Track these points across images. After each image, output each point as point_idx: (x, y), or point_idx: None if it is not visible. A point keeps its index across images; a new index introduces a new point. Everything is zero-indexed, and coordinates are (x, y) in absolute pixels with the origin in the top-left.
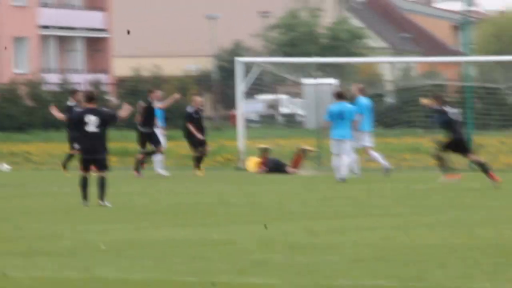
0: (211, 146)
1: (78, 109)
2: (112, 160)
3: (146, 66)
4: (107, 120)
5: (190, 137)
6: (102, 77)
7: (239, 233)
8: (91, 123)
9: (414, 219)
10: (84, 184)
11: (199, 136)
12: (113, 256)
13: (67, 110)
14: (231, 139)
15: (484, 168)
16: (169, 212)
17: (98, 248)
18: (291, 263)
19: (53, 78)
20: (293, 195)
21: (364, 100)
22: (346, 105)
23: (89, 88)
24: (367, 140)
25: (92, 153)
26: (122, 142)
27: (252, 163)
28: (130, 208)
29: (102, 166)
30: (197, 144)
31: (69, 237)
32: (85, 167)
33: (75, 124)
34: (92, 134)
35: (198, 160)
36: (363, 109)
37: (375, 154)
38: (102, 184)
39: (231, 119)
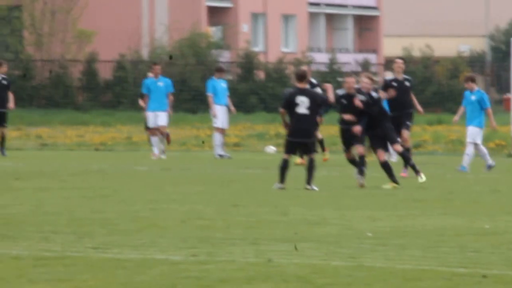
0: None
1: (289, 90)
2: None
3: (417, 46)
4: (319, 103)
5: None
6: (371, 57)
7: (509, 224)
8: (302, 104)
9: None
10: (285, 167)
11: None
12: (379, 244)
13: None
14: (504, 124)
15: None
16: (437, 200)
17: (365, 236)
18: None
19: (321, 58)
20: None
21: None
22: None
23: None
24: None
25: (300, 137)
26: None
27: None
28: (394, 195)
29: (309, 150)
30: None
31: (334, 223)
32: (290, 150)
33: (285, 105)
34: (302, 116)
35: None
36: None
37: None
38: (311, 168)
39: (505, 103)
